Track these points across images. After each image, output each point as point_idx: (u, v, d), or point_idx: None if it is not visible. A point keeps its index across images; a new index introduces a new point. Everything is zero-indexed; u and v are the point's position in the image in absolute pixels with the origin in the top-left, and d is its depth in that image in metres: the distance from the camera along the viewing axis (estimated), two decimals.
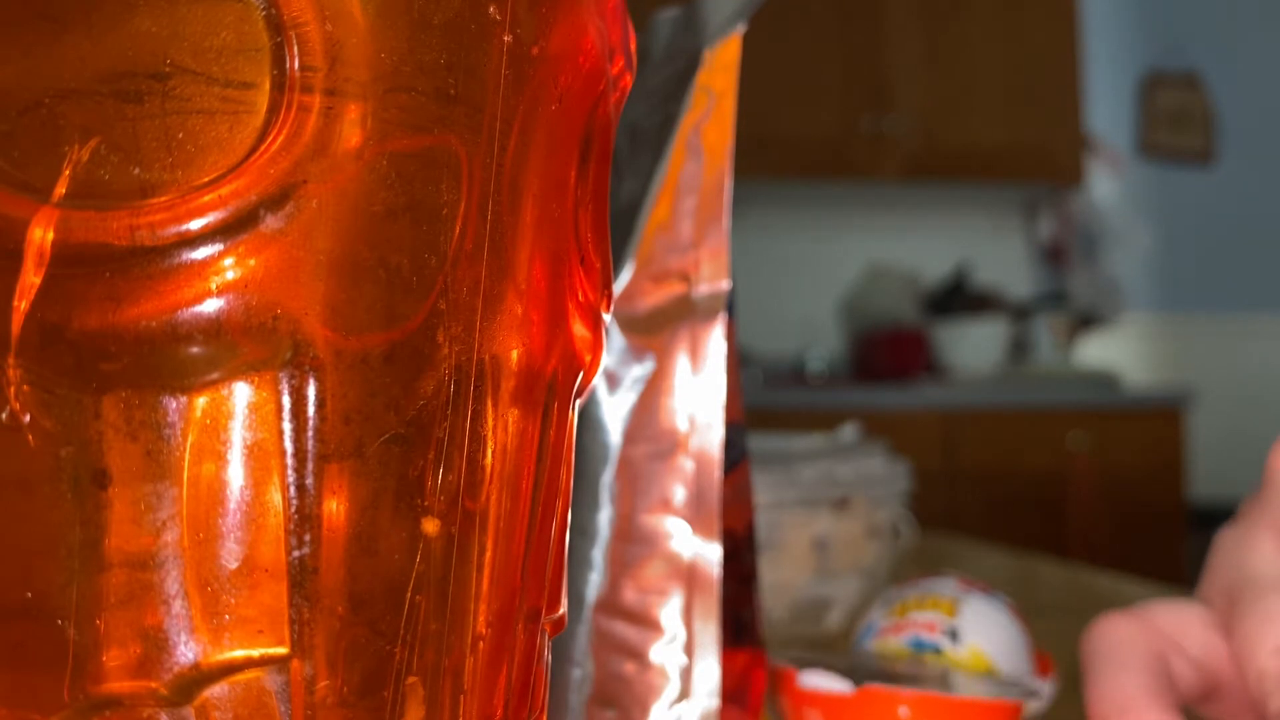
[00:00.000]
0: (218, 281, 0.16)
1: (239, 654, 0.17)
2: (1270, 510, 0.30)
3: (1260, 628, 0.28)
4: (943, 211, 2.92)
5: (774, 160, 2.51)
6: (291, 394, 0.17)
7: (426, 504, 0.18)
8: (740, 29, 0.32)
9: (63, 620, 0.16)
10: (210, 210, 0.16)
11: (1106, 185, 2.91)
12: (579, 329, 0.21)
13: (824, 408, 2.32)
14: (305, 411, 0.17)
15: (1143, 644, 0.29)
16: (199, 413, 0.16)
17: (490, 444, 0.19)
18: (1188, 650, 0.30)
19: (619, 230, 0.33)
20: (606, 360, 0.33)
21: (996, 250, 2.93)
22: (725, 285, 0.32)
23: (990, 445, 2.39)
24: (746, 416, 0.35)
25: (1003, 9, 2.65)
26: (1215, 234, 2.99)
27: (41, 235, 0.16)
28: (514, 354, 0.19)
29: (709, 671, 0.31)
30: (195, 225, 0.16)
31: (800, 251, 2.84)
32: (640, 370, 0.33)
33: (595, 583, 0.33)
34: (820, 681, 0.36)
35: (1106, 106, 2.96)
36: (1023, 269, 2.95)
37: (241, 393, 0.16)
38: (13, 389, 0.16)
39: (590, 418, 0.33)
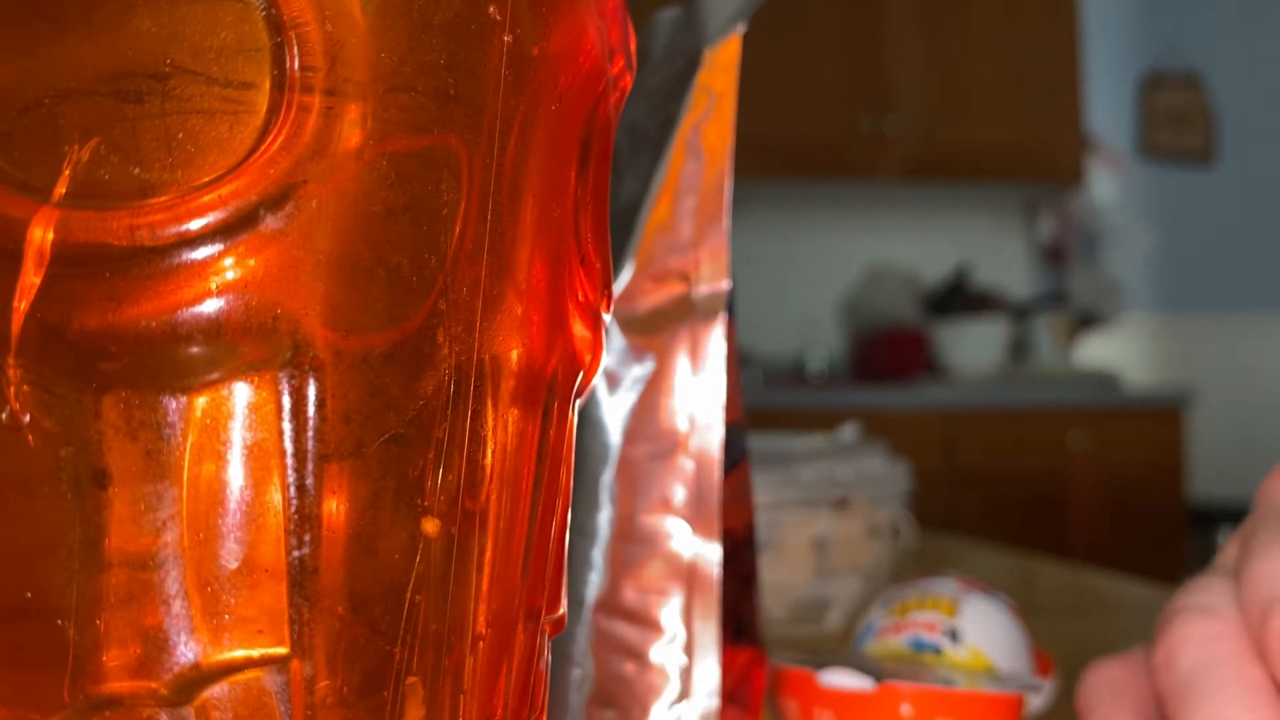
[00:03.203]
0: (218, 281, 0.16)
1: (239, 654, 0.17)
2: None
3: (1262, 560, 0.27)
4: (943, 211, 2.92)
5: (774, 160, 2.51)
6: (291, 394, 0.17)
7: (426, 504, 0.18)
8: (740, 29, 0.32)
9: (63, 620, 0.16)
10: (210, 210, 0.16)
11: (1106, 185, 2.91)
12: (579, 329, 0.21)
13: (824, 408, 2.33)
14: (305, 411, 0.17)
15: (1134, 687, 0.29)
16: (199, 413, 0.16)
17: (490, 444, 0.19)
18: None
19: (619, 230, 0.33)
20: (606, 360, 0.33)
21: (996, 250, 2.93)
22: (725, 285, 0.32)
23: (990, 445, 2.39)
24: (746, 416, 0.35)
25: (1003, 9, 2.65)
26: (1215, 234, 2.99)
27: (41, 235, 0.16)
28: (514, 354, 0.19)
29: (709, 671, 0.31)
30: (195, 225, 0.16)
31: (800, 251, 2.84)
32: (640, 370, 0.33)
33: (595, 583, 0.33)
34: (841, 679, 0.37)
35: (1106, 106, 2.96)
36: (1023, 269, 2.95)
37: (241, 393, 0.16)
38: (13, 389, 0.16)
39: (590, 418, 0.33)
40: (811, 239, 2.86)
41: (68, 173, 0.16)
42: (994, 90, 2.63)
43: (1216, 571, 0.29)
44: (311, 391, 0.17)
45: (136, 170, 0.16)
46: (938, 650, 0.41)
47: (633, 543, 0.32)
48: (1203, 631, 0.27)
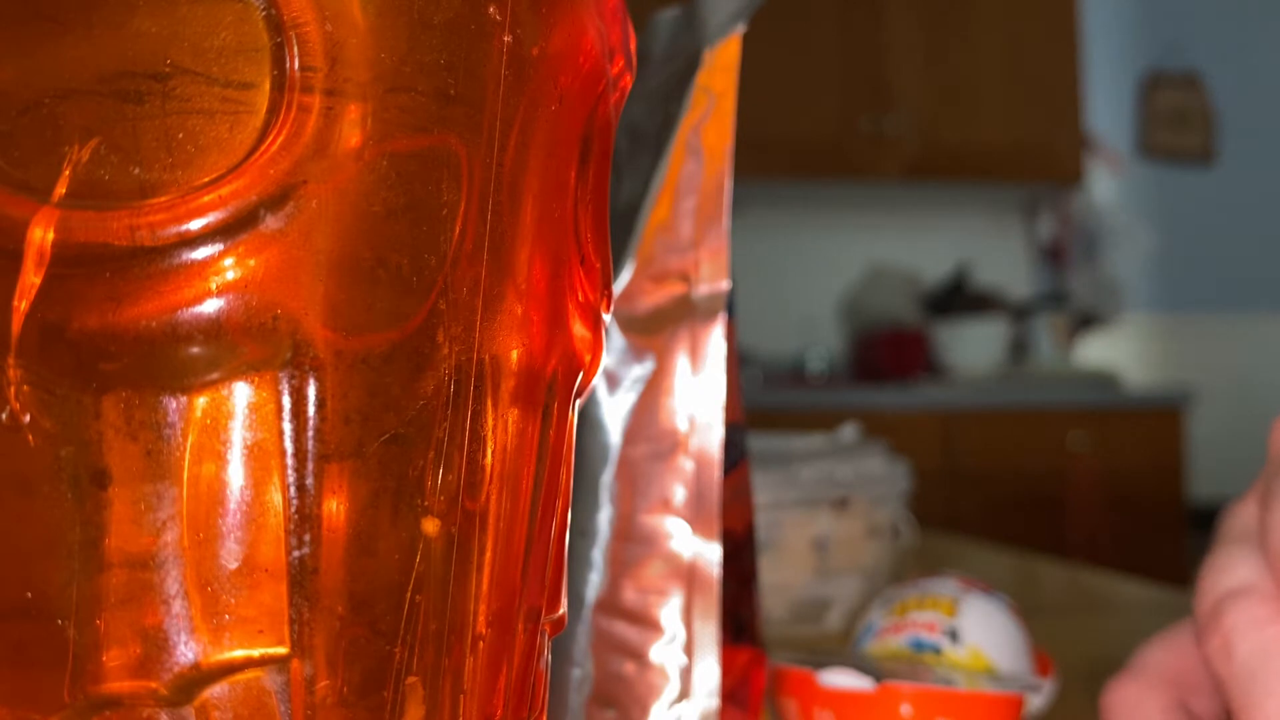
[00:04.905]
0: (218, 281, 0.16)
1: (239, 654, 0.17)
2: None
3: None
4: (943, 211, 2.92)
5: (774, 160, 2.51)
6: (291, 394, 0.17)
7: (426, 504, 0.18)
8: (740, 29, 0.32)
9: (63, 620, 0.16)
10: (210, 210, 0.16)
11: (1106, 185, 2.91)
12: (579, 329, 0.21)
13: (824, 408, 2.33)
14: (305, 411, 0.17)
15: (1156, 702, 0.29)
16: (199, 413, 0.16)
17: (490, 444, 0.19)
18: (1198, 682, 0.29)
19: (619, 230, 0.33)
20: (606, 360, 0.33)
21: (996, 250, 2.93)
22: (725, 285, 0.32)
23: (990, 445, 2.39)
24: (746, 416, 0.35)
25: (1003, 9, 2.65)
26: (1215, 234, 2.99)
27: (41, 235, 0.16)
28: (514, 354, 0.19)
29: (709, 671, 0.31)
30: (195, 225, 0.16)
31: (800, 251, 2.84)
32: (640, 370, 0.33)
33: (595, 583, 0.33)
34: (841, 679, 0.36)
35: (1106, 106, 2.96)
36: (1023, 269, 2.95)
37: (241, 393, 0.16)
38: (13, 389, 0.16)
39: (590, 418, 0.33)
40: (811, 239, 2.86)
41: (68, 173, 0.16)
42: (994, 90, 2.63)
43: (1235, 540, 0.28)
44: (311, 391, 0.17)
45: (136, 170, 0.16)
46: (938, 650, 0.41)
47: (633, 543, 0.32)
48: (1249, 616, 0.26)
